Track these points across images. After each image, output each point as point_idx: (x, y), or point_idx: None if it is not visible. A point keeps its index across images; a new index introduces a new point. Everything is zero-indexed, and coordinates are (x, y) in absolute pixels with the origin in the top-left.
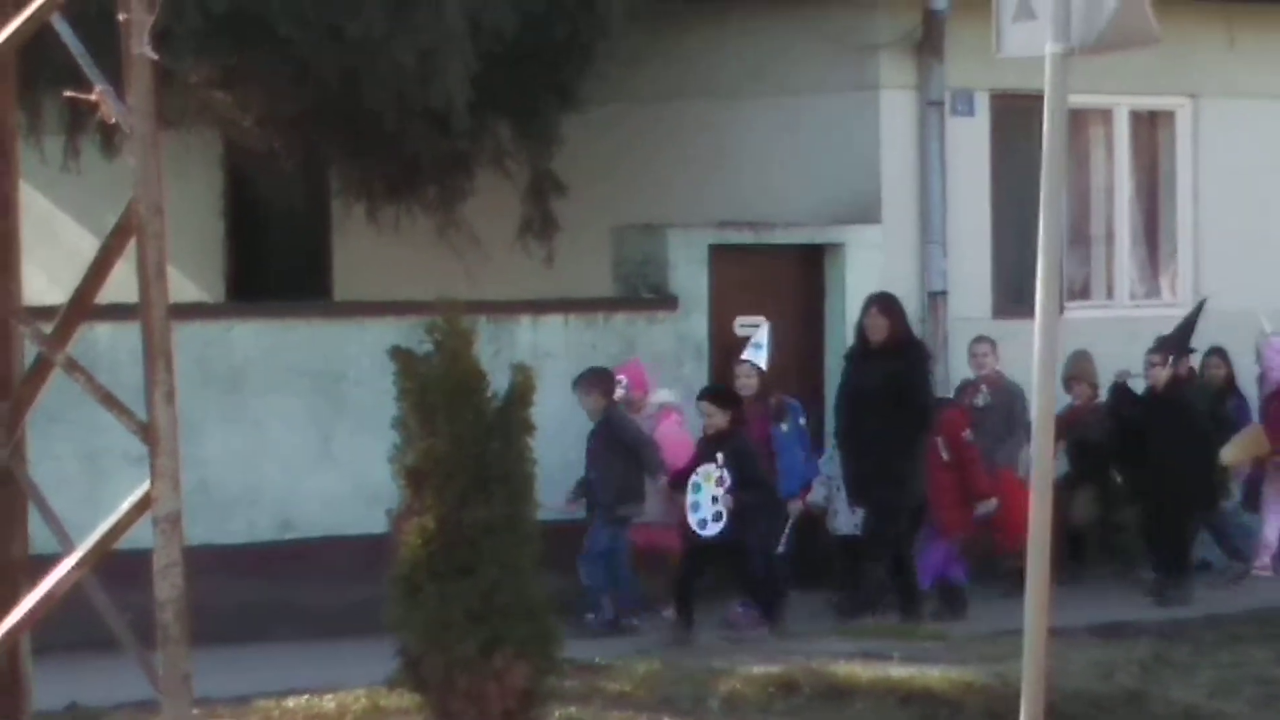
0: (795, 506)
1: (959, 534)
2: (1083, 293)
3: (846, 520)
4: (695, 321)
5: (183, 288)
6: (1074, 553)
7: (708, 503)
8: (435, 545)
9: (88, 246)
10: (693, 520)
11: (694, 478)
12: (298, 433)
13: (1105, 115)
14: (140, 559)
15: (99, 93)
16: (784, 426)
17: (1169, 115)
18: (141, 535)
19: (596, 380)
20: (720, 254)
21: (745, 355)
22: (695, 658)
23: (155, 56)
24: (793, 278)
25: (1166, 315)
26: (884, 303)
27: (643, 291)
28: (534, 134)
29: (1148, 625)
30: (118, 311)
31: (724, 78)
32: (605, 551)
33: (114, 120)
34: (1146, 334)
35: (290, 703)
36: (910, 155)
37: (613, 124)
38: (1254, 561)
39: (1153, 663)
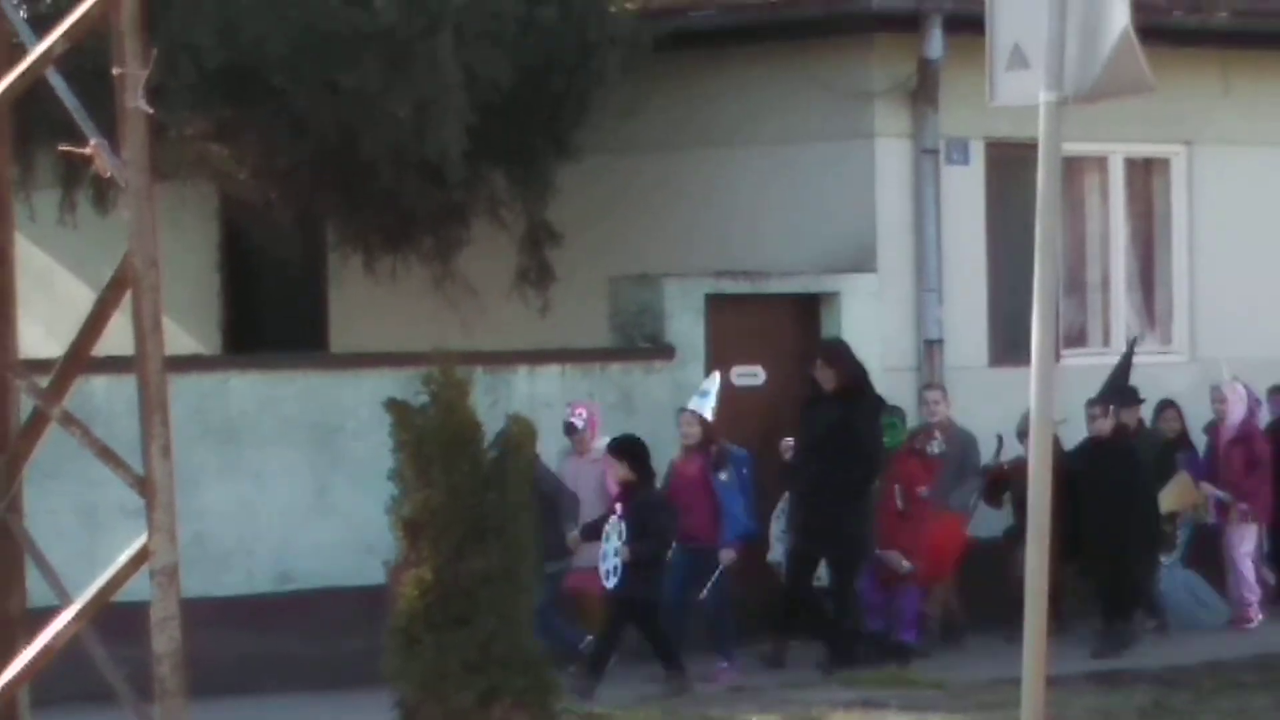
0: (727, 555)
1: (923, 585)
2: (1079, 340)
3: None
4: (692, 371)
5: (179, 340)
6: (1019, 606)
7: (612, 554)
8: (432, 596)
9: (84, 299)
10: (601, 571)
11: (606, 528)
12: (294, 484)
13: (1100, 162)
14: (137, 611)
15: (94, 146)
16: (723, 475)
17: (1164, 162)
18: (139, 588)
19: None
20: (717, 303)
21: (690, 404)
22: (694, 706)
23: (150, 110)
24: (789, 327)
25: (1163, 363)
26: (828, 352)
27: (639, 341)
28: (530, 184)
29: (1147, 672)
30: (114, 364)
31: (719, 127)
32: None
33: (109, 174)
34: (1142, 380)
35: None
36: (905, 203)
37: (609, 173)
38: (1245, 611)
39: (1152, 710)
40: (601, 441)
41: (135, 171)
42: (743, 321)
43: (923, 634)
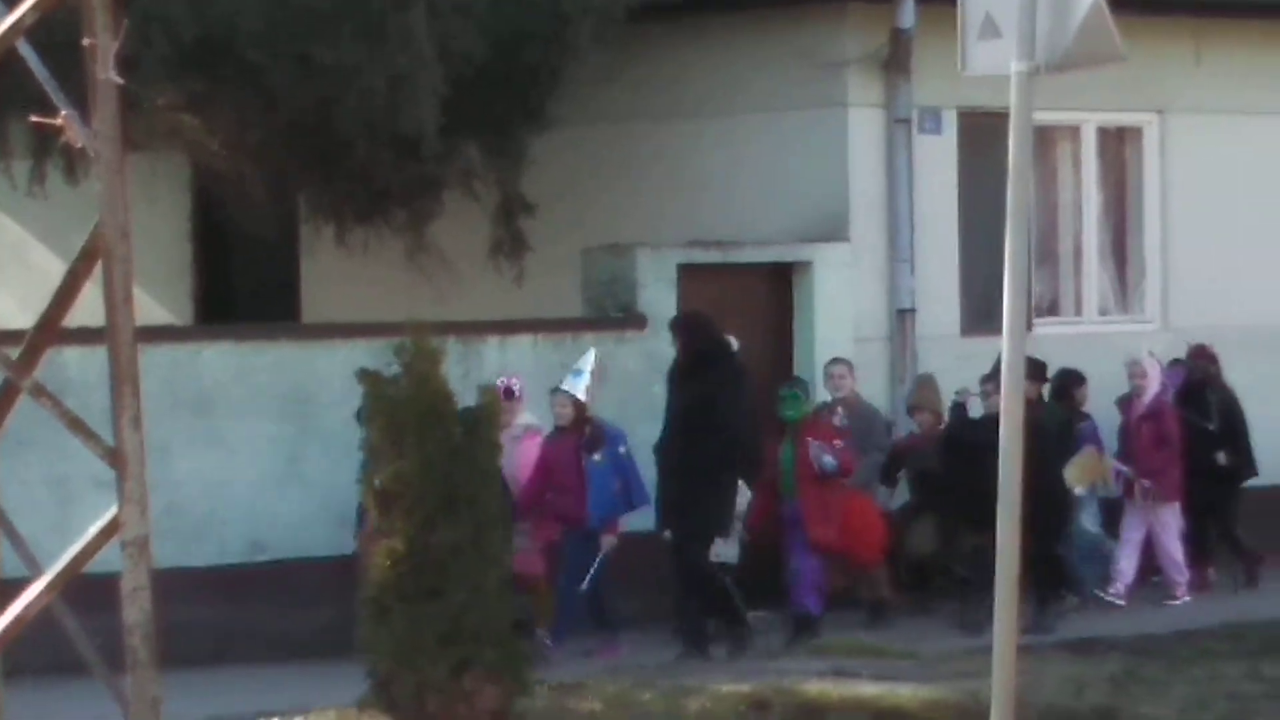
0: (607, 541)
1: (825, 551)
2: (1051, 309)
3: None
4: (664, 341)
5: (151, 311)
6: (917, 583)
7: None
8: (404, 567)
9: (56, 270)
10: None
11: None
12: (267, 455)
13: (1073, 132)
14: (108, 582)
15: (64, 117)
16: (596, 457)
17: (1136, 131)
18: (110, 558)
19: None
20: (689, 273)
21: (563, 384)
22: (667, 676)
23: (121, 81)
24: (761, 296)
25: (1135, 331)
26: (677, 323)
27: (612, 311)
28: (503, 155)
29: (1119, 641)
30: (85, 335)
31: (692, 97)
32: None
33: (80, 145)
34: (1115, 350)
35: None
36: (878, 173)
37: (581, 144)
38: (1109, 588)
39: (1124, 678)
40: (523, 419)
41: (106, 142)
42: (715, 291)
43: (822, 602)
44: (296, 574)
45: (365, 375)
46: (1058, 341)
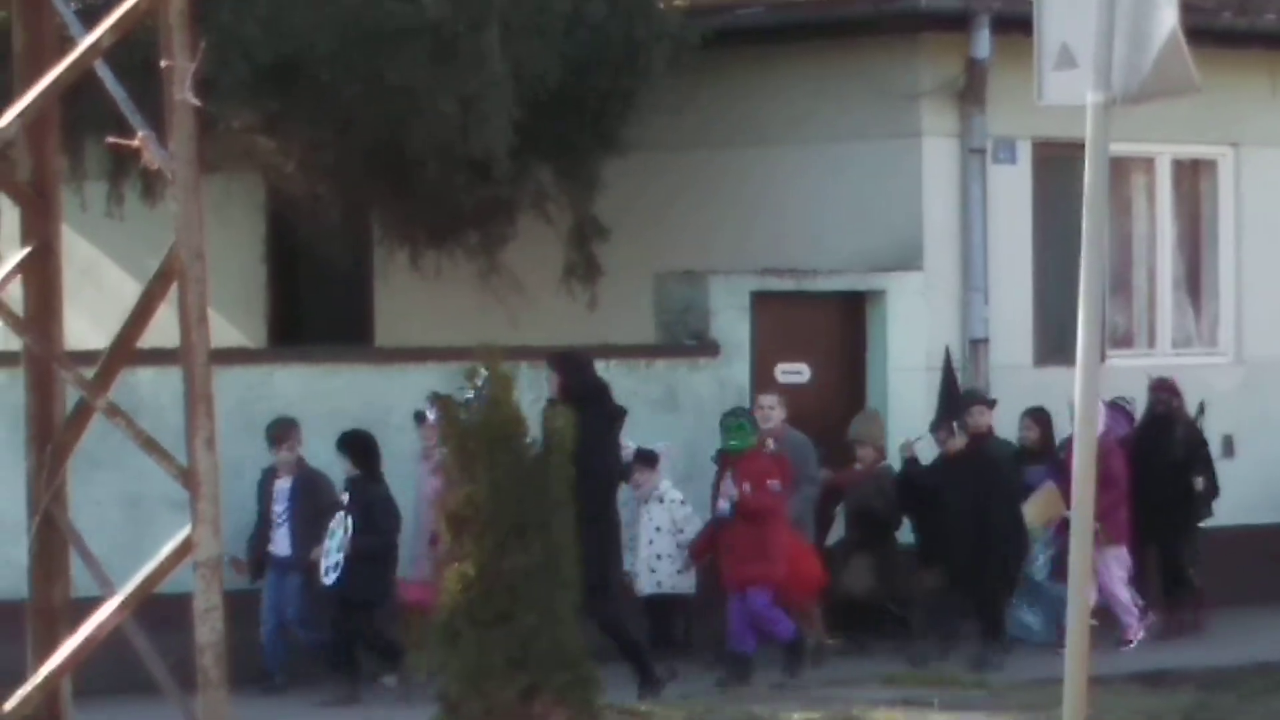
0: None
1: (757, 586)
2: (1125, 341)
3: (648, 580)
4: (737, 368)
5: (225, 333)
6: (852, 622)
7: (335, 550)
8: (475, 591)
9: (130, 291)
10: (321, 569)
11: (332, 525)
12: (338, 478)
13: (1147, 163)
14: (178, 603)
15: (141, 138)
16: None
17: (1211, 164)
18: (182, 579)
19: (288, 431)
20: (762, 301)
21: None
22: (737, 703)
23: (197, 103)
24: (834, 325)
25: (1207, 364)
26: (553, 360)
27: (684, 338)
28: (576, 179)
29: (1191, 673)
30: (159, 356)
31: (767, 125)
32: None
33: (156, 166)
34: (1188, 382)
35: None
36: (952, 203)
37: (656, 170)
38: (1124, 633)
39: (1196, 711)
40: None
41: (182, 164)
42: (788, 319)
43: (758, 642)
44: None
45: (437, 399)
46: (1131, 373)
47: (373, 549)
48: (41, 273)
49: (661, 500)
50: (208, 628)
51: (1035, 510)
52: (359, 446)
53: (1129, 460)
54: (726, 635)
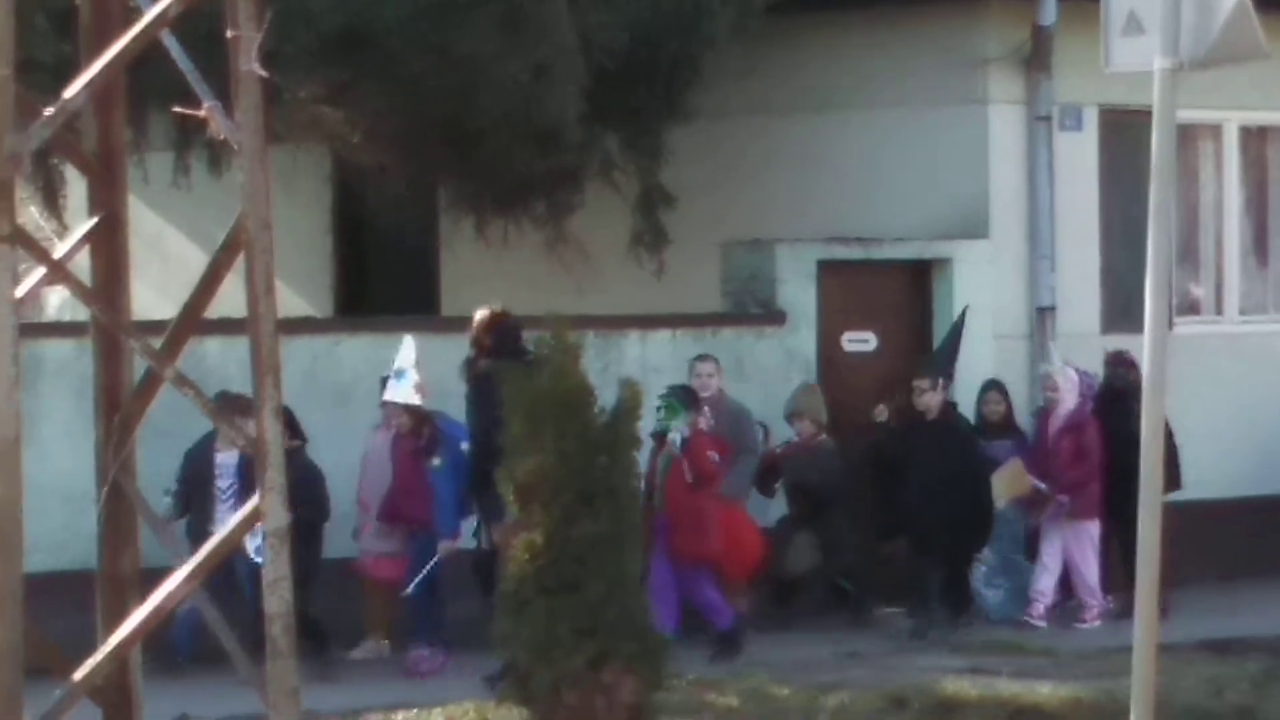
0: (445, 546)
1: (693, 563)
2: (1192, 308)
3: None
4: (803, 336)
5: (291, 302)
6: (783, 599)
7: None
8: (543, 560)
9: (196, 262)
10: (250, 547)
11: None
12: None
13: (1215, 130)
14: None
15: (208, 109)
16: (436, 461)
17: (1278, 130)
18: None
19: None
20: (828, 269)
21: (387, 394)
22: (805, 673)
23: (264, 73)
24: (901, 293)
25: (1275, 330)
26: (488, 323)
27: (751, 306)
28: (643, 147)
29: (1259, 641)
30: (226, 326)
31: (833, 91)
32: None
33: (222, 136)
34: (1255, 350)
35: (399, 716)
36: (1019, 170)
37: (722, 137)
38: (1029, 609)
39: (1264, 679)
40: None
41: (249, 134)
42: (855, 287)
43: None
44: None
45: (505, 368)
46: (1198, 340)
47: (303, 522)
48: (109, 243)
49: None
50: (276, 597)
51: (1002, 484)
52: (286, 419)
53: None
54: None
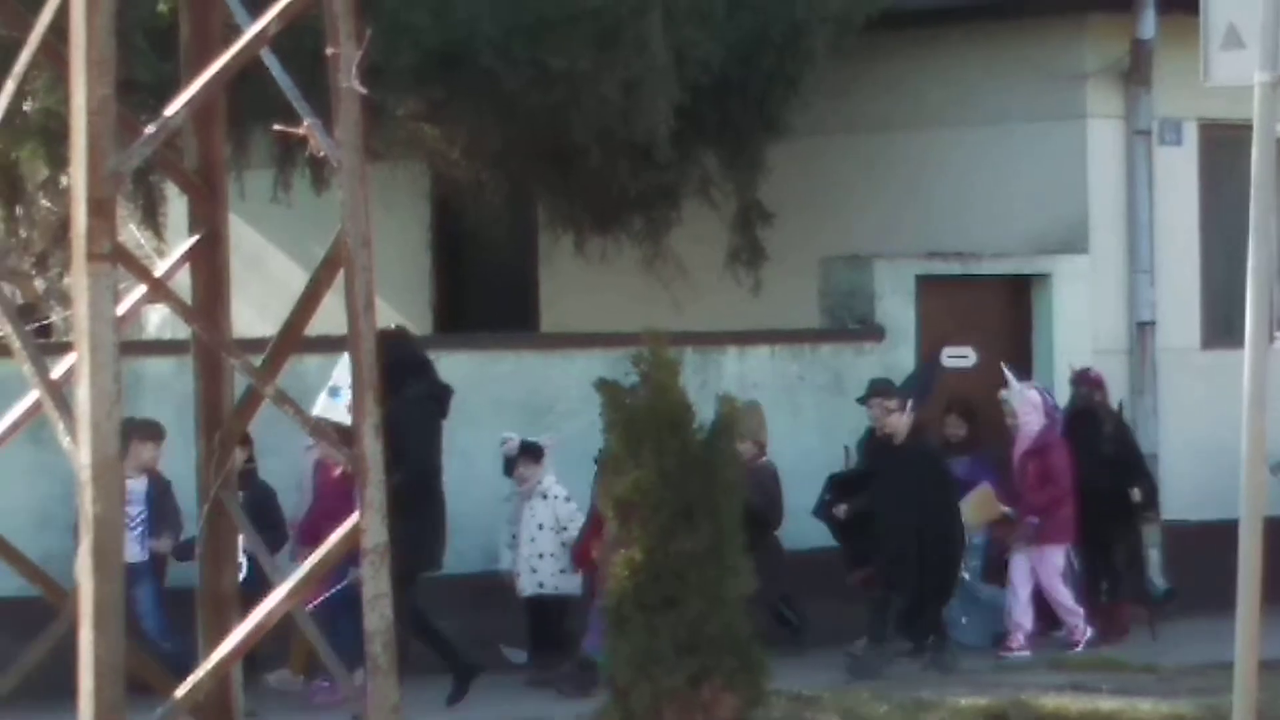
0: (354, 571)
1: None
2: None
3: (529, 580)
4: (902, 353)
5: (390, 319)
6: None
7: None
8: (642, 577)
9: (296, 279)
10: None
11: None
12: (503, 464)
13: None
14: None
15: (307, 126)
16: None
17: None
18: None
19: (152, 432)
20: (927, 284)
21: (316, 410)
22: (905, 689)
23: (363, 90)
24: (999, 308)
25: None
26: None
27: (849, 322)
28: (740, 164)
29: None
30: (327, 343)
31: (931, 107)
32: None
33: (322, 154)
34: None
35: None
36: (1118, 185)
37: (819, 154)
38: (1008, 643)
39: None
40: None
41: (349, 152)
42: (953, 303)
43: None
44: None
45: (603, 385)
46: None
47: (269, 544)
48: (209, 261)
49: (545, 496)
50: (376, 615)
51: (971, 510)
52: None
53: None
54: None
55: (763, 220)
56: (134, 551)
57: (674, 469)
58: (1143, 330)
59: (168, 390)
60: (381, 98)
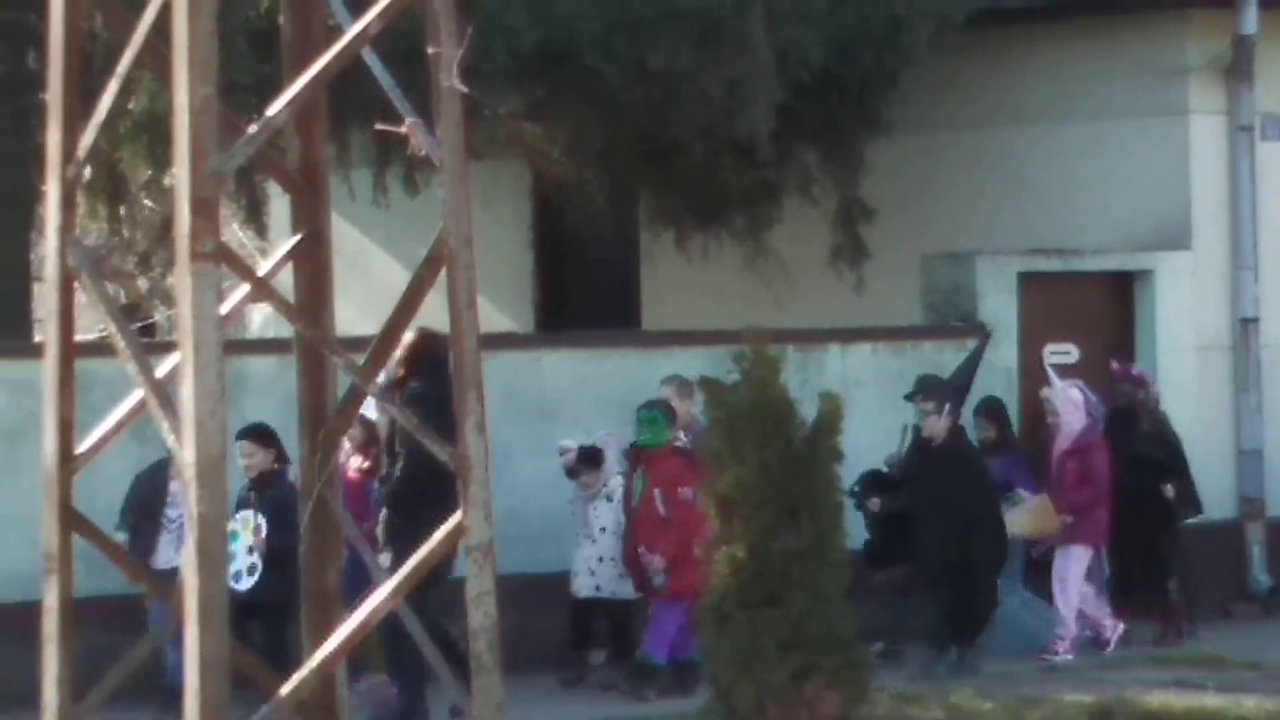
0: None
1: (686, 600)
2: None
3: (586, 582)
4: (1004, 350)
5: (492, 318)
6: None
7: (243, 553)
8: (745, 574)
9: (397, 278)
10: (229, 572)
11: (231, 525)
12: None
13: None
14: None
15: (409, 125)
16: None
17: None
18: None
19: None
20: (1029, 281)
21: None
22: (1008, 686)
23: (464, 89)
24: (1102, 305)
25: None
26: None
27: (952, 320)
28: (841, 161)
29: None
30: None
31: (1032, 103)
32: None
33: (423, 153)
34: None
35: None
36: (1220, 180)
37: (921, 151)
38: (1055, 648)
39: None
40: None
41: (450, 151)
42: (1055, 300)
43: (683, 652)
44: None
45: (705, 383)
46: None
47: (288, 548)
48: (312, 260)
49: (610, 499)
50: (481, 612)
51: (1028, 522)
52: (272, 438)
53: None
54: (642, 641)
55: (865, 217)
56: (169, 556)
57: (776, 466)
58: (1246, 326)
59: (271, 389)
60: (481, 97)
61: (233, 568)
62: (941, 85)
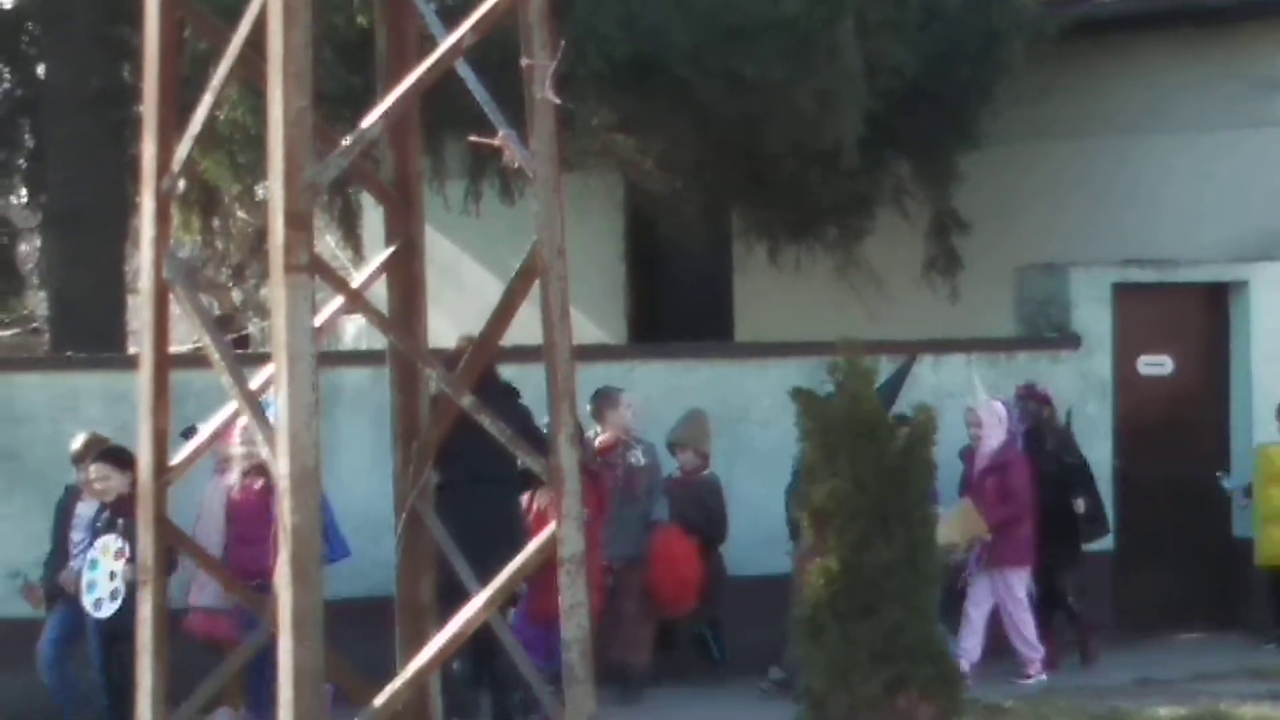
0: None
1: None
2: None
3: None
4: (1099, 361)
5: (585, 329)
6: (665, 642)
7: (104, 580)
8: (838, 586)
9: (489, 290)
10: (87, 602)
11: (91, 553)
12: None
13: None
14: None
15: (502, 137)
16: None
17: None
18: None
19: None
20: (1124, 292)
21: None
22: (1101, 699)
23: (558, 101)
24: (1197, 315)
25: None
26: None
27: (1046, 330)
28: (934, 172)
29: None
30: (522, 354)
31: (1127, 114)
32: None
33: (517, 164)
34: None
35: None
36: None
37: (1014, 162)
38: (1025, 668)
39: None
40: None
41: (544, 162)
42: (1149, 310)
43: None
44: (725, 594)
45: (799, 394)
46: None
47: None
48: (405, 271)
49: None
50: (574, 624)
51: (953, 528)
52: (126, 461)
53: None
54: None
55: (958, 228)
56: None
57: (870, 478)
58: None
59: (364, 401)
60: (574, 108)
61: (94, 595)
62: (1035, 96)
